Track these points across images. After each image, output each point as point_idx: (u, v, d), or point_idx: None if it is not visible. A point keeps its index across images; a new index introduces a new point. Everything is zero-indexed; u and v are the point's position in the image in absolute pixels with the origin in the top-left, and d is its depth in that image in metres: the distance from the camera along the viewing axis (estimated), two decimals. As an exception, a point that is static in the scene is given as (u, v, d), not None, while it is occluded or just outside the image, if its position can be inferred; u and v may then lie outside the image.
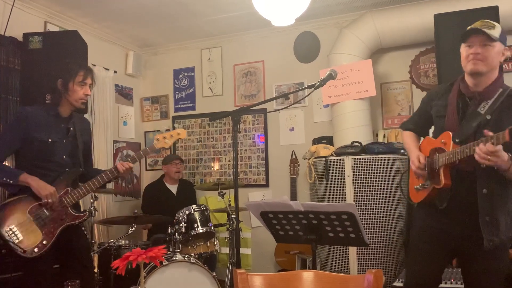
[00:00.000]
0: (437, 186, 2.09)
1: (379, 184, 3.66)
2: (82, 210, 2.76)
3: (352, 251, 3.67)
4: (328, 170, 3.85)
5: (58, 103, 2.64)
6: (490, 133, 1.83)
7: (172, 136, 2.75)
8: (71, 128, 2.70)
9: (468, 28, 2.08)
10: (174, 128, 5.41)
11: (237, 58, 5.14)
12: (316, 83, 2.29)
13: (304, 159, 4.32)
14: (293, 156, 4.69)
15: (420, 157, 2.18)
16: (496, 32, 2.04)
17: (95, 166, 4.50)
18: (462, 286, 2.46)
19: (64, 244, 2.59)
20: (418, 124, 2.41)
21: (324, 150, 4.02)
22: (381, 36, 4.19)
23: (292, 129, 4.86)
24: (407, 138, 2.41)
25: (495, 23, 2.07)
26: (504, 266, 2.11)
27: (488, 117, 2.03)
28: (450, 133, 2.07)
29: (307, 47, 4.81)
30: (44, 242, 2.48)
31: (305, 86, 2.62)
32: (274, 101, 4.81)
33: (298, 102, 4.57)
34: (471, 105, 2.10)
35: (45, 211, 2.53)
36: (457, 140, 2.04)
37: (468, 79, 2.13)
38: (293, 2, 3.05)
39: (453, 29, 3.55)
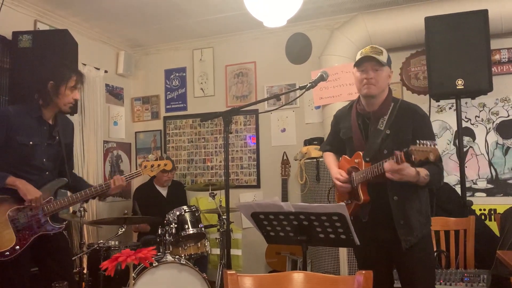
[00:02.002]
0: (358, 202, 2.28)
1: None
2: (60, 220, 2.72)
3: (343, 252, 3.69)
4: (319, 171, 3.86)
5: (43, 105, 2.59)
6: (397, 152, 2.01)
7: (159, 165, 2.87)
8: (56, 137, 2.65)
9: (360, 55, 2.28)
10: (165, 129, 5.40)
11: (229, 58, 5.14)
12: (307, 85, 2.31)
13: (296, 160, 4.33)
14: (285, 157, 4.69)
15: (341, 172, 2.36)
16: (384, 57, 2.27)
17: (85, 167, 4.54)
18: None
19: (43, 246, 2.55)
20: (334, 144, 2.59)
21: (315, 151, 4.03)
22: (372, 38, 4.21)
23: (283, 130, 4.87)
24: (327, 158, 2.61)
25: (382, 49, 2.30)
26: (430, 254, 2.38)
27: (388, 131, 2.25)
28: (361, 153, 2.29)
29: (298, 48, 4.82)
30: (17, 247, 2.43)
31: (297, 87, 2.63)
32: (266, 102, 4.80)
33: (290, 103, 4.58)
34: (371, 124, 2.30)
35: (25, 216, 2.48)
36: (367, 159, 2.25)
37: (363, 101, 2.35)
38: (285, 3, 3.05)
39: (444, 32, 3.59)
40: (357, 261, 2.51)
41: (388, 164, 2.05)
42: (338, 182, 2.35)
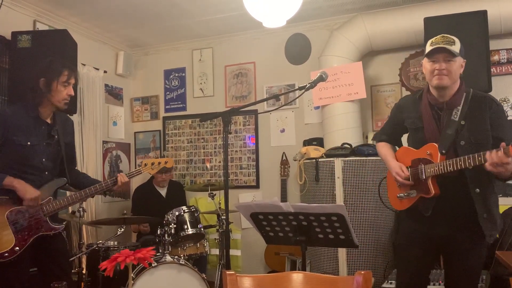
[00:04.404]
0: (426, 195, 2.19)
1: (369, 185, 3.67)
2: (60, 220, 2.72)
3: (342, 252, 3.69)
4: (318, 171, 3.86)
5: (39, 103, 2.56)
6: (504, 145, 1.91)
7: (159, 163, 2.87)
8: (55, 136, 2.63)
9: (432, 45, 2.21)
10: (164, 129, 5.40)
11: (228, 59, 5.14)
12: (307, 85, 2.30)
13: (295, 160, 4.32)
14: (284, 158, 4.69)
15: (403, 167, 2.28)
16: (456, 47, 2.19)
17: (84, 167, 4.54)
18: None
19: (42, 247, 2.54)
20: (391, 134, 2.54)
21: (314, 151, 4.03)
22: (372, 38, 4.22)
23: (282, 131, 4.87)
24: (383, 148, 2.52)
25: (455, 38, 2.22)
26: (482, 262, 2.24)
27: (463, 122, 2.18)
28: (436, 144, 2.19)
29: (298, 49, 4.83)
30: (16, 248, 2.42)
31: (296, 87, 2.64)
32: (265, 102, 4.81)
33: (289, 103, 4.58)
34: (444, 115, 2.23)
35: (23, 217, 2.47)
36: (443, 152, 2.16)
37: (434, 92, 2.27)
38: (284, 3, 3.05)
39: (443, 33, 3.58)
40: (397, 259, 2.45)
41: (494, 156, 1.91)
42: (399, 178, 2.27)
